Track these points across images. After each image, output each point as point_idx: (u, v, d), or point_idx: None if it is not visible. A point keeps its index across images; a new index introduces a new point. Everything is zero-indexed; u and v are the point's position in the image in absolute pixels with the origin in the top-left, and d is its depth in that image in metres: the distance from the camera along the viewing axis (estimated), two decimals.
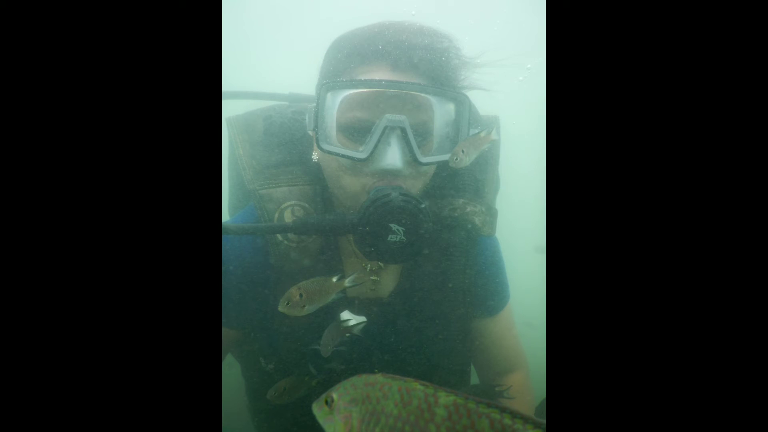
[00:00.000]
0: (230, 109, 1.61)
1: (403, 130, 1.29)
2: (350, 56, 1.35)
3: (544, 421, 0.71)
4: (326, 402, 0.85)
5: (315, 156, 1.45)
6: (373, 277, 1.54)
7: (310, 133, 1.42)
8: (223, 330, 1.56)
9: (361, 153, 1.30)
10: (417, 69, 1.34)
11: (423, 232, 1.29)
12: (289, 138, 1.52)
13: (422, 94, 1.32)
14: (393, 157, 1.29)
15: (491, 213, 1.55)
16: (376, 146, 1.28)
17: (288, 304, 1.25)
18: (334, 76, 1.37)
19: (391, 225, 1.27)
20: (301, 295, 1.26)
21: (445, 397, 0.76)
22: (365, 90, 1.30)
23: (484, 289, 1.64)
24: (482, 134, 1.37)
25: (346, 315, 1.45)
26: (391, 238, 1.28)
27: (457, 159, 1.30)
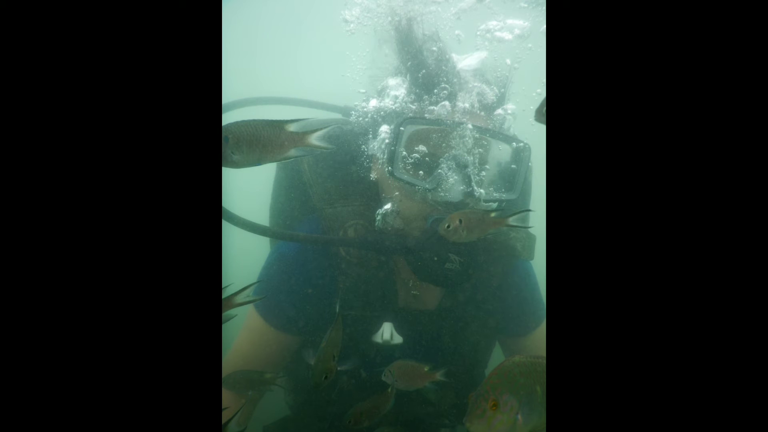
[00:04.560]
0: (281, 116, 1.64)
1: (467, 167, 1.42)
2: (423, 93, 1.47)
3: None
4: (492, 406, 0.85)
5: (374, 175, 1.57)
6: (414, 292, 1.64)
7: (376, 155, 1.53)
8: (285, 336, 1.65)
9: (428, 183, 1.43)
10: (486, 112, 1.48)
11: (476, 263, 1.44)
12: (351, 158, 1.61)
13: (488, 137, 1.46)
14: (456, 190, 1.42)
15: (531, 239, 1.65)
16: (441, 179, 1.42)
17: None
18: (404, 109, 1.50)
19: (450, 254, 1.40)
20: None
21: None
22: (441, 126, 1.43)
23: (519, 309, 1.76)
24: (493, 215, 1.35)
25: (386, 329, 1.56)
26: (448, 265, 1.42)
27: (449, 227, 1.31)
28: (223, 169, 0.92)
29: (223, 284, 0.95)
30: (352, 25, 1.70)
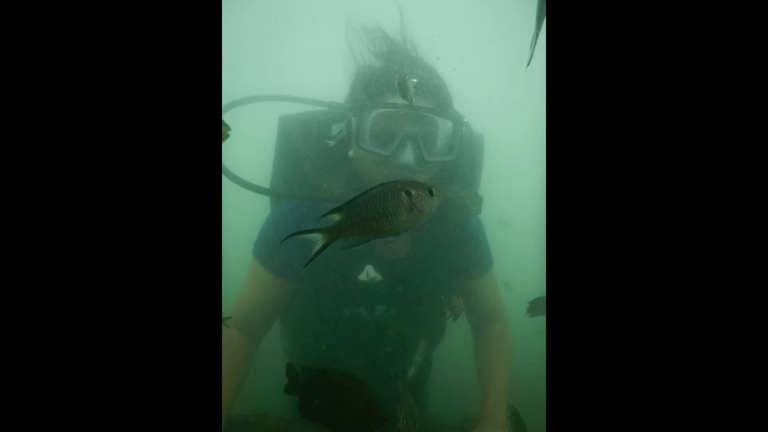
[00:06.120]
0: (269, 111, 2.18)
1: (416, 138, 1.85)
2: (381, 85, 1.94)
3: None
4: None
5: (351, 152, 2.00)
6: (390, 244, 2.07)
7: (348, 136, 1.97)
8: (283, 282, 2.08)
9: (386, 152, 1.85)
10: (428, 95, 1.93)
11: (437, 215, 1.66)
12: (333, 138, 2.02)
13: (431, 115, 1.90)
14: (408, 156, 1.86)
15: (478, 198, 2.14)
16: (397, 148, 1.85)
17: None
18: (367, 99, 1.96)
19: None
20: None
21: None
22: (393, 109, 1.89)
23: (472, 255, 2.23)
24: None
25: (370, 270, 2.05)
26: None
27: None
28: (223, 164, 0.93)
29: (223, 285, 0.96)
30: (336, 29, 2.05)
